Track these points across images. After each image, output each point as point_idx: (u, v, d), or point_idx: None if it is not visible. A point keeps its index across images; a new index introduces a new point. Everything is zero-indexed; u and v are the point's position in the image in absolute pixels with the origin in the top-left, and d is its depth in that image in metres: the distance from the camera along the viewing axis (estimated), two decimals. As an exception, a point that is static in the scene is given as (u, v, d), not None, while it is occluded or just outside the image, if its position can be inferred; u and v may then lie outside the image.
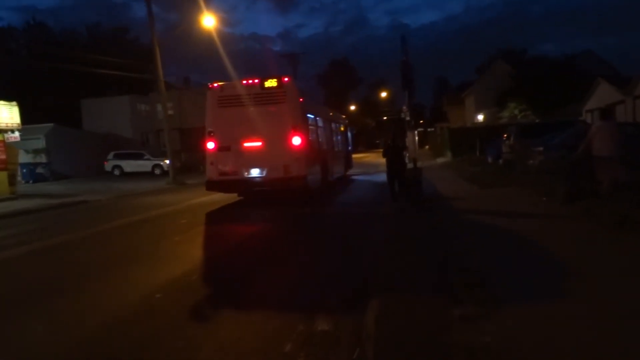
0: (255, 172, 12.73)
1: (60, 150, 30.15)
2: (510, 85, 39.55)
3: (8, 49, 47.15)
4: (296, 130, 12.44)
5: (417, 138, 12.35)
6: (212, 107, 13.08)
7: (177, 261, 7.03)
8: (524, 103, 37.32)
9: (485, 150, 25.60)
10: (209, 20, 24.41)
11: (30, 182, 26.48)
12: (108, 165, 31.59)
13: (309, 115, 14.33)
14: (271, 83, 12.62)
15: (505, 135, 20.58)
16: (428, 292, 4.98)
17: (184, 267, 6.54)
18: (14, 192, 19.41)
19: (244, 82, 12.99)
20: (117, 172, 31.33)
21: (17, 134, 18.87)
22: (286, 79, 12.71)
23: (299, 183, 12.39)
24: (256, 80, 12.78)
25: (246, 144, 12.71)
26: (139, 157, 31.67)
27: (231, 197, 14.86)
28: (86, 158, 32.23)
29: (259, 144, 12.65)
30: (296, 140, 12.40)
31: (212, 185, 13.21)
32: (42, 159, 28.55)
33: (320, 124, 16.37)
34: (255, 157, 12.63)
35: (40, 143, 29.36)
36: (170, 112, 46.00)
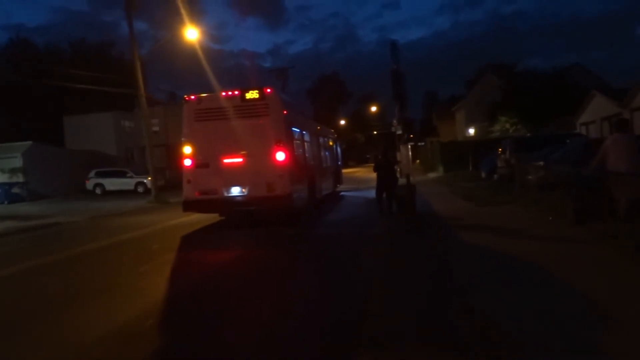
0: (236, 191, 11.79)
1: (39, 169, 28.89)
2: (501, 98, 39.07)
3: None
4: (280, 145, 11.54)
5: (410, 152, 11.42)
6: (189, 121, 12.16)
7: (135, 298, 6.03)
8: (515, 116, 36.79)
9: (478, 164, 24.87)
10: (195, 35, 23.62)
11: (6, 202, 25.19)
12: (89, 184, 30.36)
13: (294, 129, 13.41)
14: (252, 94, 11.72)
15: (500, 149, 19.83)
16: (430, 347, 4.01)
17: (141, 307, 5.56)
18: (-17, 213, 18.27)
19: (224, 93, 12.06)
20: (98, 190, 30.12)
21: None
22: (269, 90, 11.79)
23: (284, 202, 11.45)
24: (236, 92, 11.88)
25: (226, 160, 11.78)
26: (121, 174, 30.52)
27: (212, 217, 13.87)
28: (67, 177, 30.98)
29: (239, 160, 11.73)
30: (280, 156, 11.50)
31: (190, 206, 12.20)
32: (19, 178, 27.29)
33: (306, 138, 15.47)
34: (236, 174, 11.71)
35: (17, 162, 28.14)
36: (155, 128, 45.39)
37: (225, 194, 11.82)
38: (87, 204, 23.34)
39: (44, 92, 42.15)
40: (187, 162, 12.04)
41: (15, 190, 26.04)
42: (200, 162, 11.93)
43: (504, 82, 41.79)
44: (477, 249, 7.53)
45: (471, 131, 45.97)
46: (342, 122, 79.74)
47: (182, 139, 12.30)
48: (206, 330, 4.66)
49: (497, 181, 19.22)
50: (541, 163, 12.72)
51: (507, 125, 37.58)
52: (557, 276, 5.59)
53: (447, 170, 28.89)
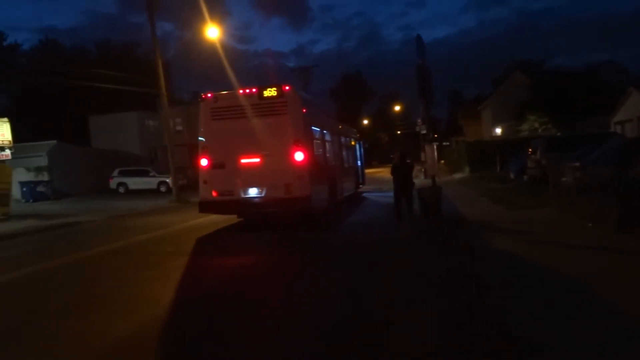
0: (253, 192, 11.30)
1: (64, 168, 29.04)
2: (529, 97, 37.82)
3: (16, 65, 46.71)
4: (298, 145, 11.01)
5: (436, 153, 10.75)
6: (205, 120, 11.76)
7: (137, 308, 5.58)
8: (544, 115, 35.55)
9: (506, 165, 23.93)
10: (219, 35, 23.47)
11: (30, 201, 25.34)
12: (113, 183, 30.42)
13: (314, 127, 12.83)
14: (270, 92, 11.23)
15: (529, 149, 18.94)
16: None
17: (141, 319, 5.09)
18: (7, 212, 18.24)
19: (241, 91, 11.63)
20: (122, 189, 30.13)
21: (7, 151, 17.72)
22: (287, 88, 11.28)
23: (302, 204, 10.91)
24: (254, 90, 11.42)
25: (243, 161, 11.33)
26: (144, 174, 30.48)
27: (230, 219, 13.48)
28: (91, 175, 31.11)
29: (257, 160, 11.26)
30: (299, 156, 10.97)
31: (206, 207, 11.75)
32: (44, 177, 27.44)
33: (327, 137, 14.86)
34: (253, 175, 11.25)
35: (42, 161, 28.34)
36: (178, 127, 45.54)
37: (242, 195, 11.36)
38: (108, 203, 23.26)
39: (70, 92, 42.57)
40: (204, 162, 11.63)
41: (40, 188, 26.17)
42: (217, 162, 11.50)
43: (532, 80, 40.49)
44: (509, 259, 6.86)
45: (498, 130, 44.71)
46: (365, 121, 78.92)
47: (199, 138, 11.93)
48: (203, 347, 4.15)
49: (527, 182, 18.37)
50: (577, 164, 11.91)
51: (536, 125, 36.38)
52: (604, 295, 4.90)
53: (473, 171, 27.96)
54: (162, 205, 21.64)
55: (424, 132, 32.69)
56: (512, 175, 21.73)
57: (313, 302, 5.47)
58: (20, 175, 26.32)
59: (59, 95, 44.68)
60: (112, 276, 7.50)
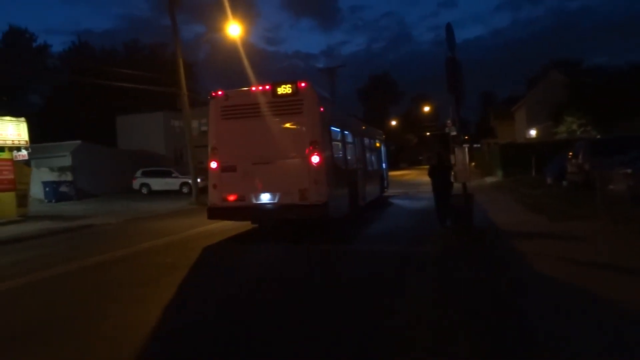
0: (265, 198, 10.47)
1: (87, 168, 28.90)
2: (566, 97, 35.90)
3: (46, 66, 47.30)
4: (315, 147, 10.10)
5: (467, 156, 9.60)
6: (215, 119, 10.97)
7: (100, 340, 4.68)
8: (583, 116, 33.62)
9: (543, 169, 22.43)
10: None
11: (53, 201, 25.17)
12: (136, 183, 30.14)
13: (333, 128, 11.86)
14: (285, 89, 10.36)
15: (570, 153, 17.48)
16: None
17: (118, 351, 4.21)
18: (24, 213, 17.90)
19: (253, 88, 10.84)
20: (144, 190, 29.81)
21: (24, 152, 17.32)
22: (303, 85, 10.34)
23: (318, 211, 10.01)
24: (267, 87, 10.57)
25: (255, 164, 10.50)
26: (166, 174, 30.09)
27: (243, 224, 12.65)
28: (115, 176, 30.94)
29: (270, 163, 10.44)
30: (315, 159, 10.07)
31: (215, 213, 10.99)
32: (68, 177, 27.30)
33: (348, 138, 13.83)
34: (265, 179, 10.45)
35: (67, 161, 28.23)
36: (204, 128, 45.18)
37: (254, 201, 10.53)
38: (129, 204, 22.86)
39: (98, 93, 42.76)
40: (213, 165, 10.85)
41: (63, 189, 26.00)
42: (227, 165, 10.70)
43: (570, 79, 38.49)
44: (557, 286, 5.71)
45: (533, 132, 42.81)
46: (393, 122, 77.43)
47: (208, 138, 11.08)
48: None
49: (567, 188, 16.96)
50: (629, 170, 10.56)
51: (574, 126, 34.48)
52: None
53: (506, 175, 26.45)
54: (181, 207, 21.11)
55: (454, 133, 31.30)
56: (549, 180, 20.32)
57: (321, 330, 4.47)
58: (43, 175, 26.29)
59: (88, 95, 45.06)
60: (95, 294, 6.63)
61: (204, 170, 34.64)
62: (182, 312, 5.62)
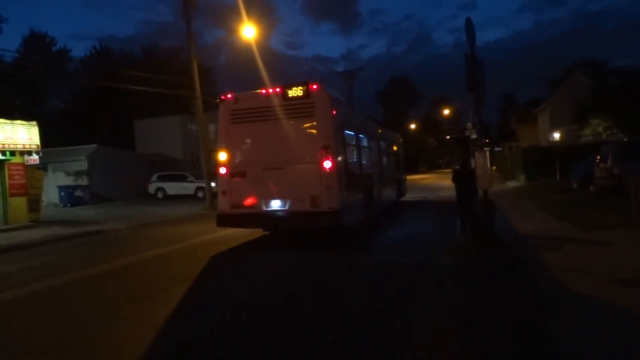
0: (276, 205, 10.09)
1: (103, 172, 28.83)
2: (591, 99, 34.62)
3: (66, 70, 47.80)
4: (327, 151, 9.67)
5: (488, 161, 8.92)
6: (225, 123, 10.64)
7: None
8: (609, 119, 32.35)
9: (568, 173, 21.50)
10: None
11: (68, 205, 25.11)
12: (151, 188, 29.97)
13: (347, 131, 11.40)
14: (296, 92, 9.96)
15: (597, 157, 16.59)
16: None
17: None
18: (36, 218, 17.74)
19: (264, 91, 10.48)
20: (160, 194, 29.61)
21: (35, 156, 17.16)
22: (314, 87, 9.94)
23: (330, 219, 9.61)
24: (278, 89, 10.20)
25: (265, 169, 10.15)
26: (182, 179, 29.85)
27: (254, 231, 12.27)
28: (131, 180, 30.83)
29: (281, 168, 10.05)
30: (327, 164, 9.65)
31: (224, 220, 10.61)
32: (83, 181, 27.24)
33: (363, 142, 13.37)
34: (276, 185, 10.10)
35: (82, 165, 28.21)
36: (221, 132, 45.16)
37: (264, 208, 10.16)
38: (142, 209, 22.62)
39: (117, 97, 42.98)
40: (222, 170, 10.51)
41: (78, 193, 25.94)
42: (237, 171, 10.40)
43: (595, 81, 37.21)
44: (589, 304, 5.06)
45: (556, 135, 41.50)
46: (413, 125, 76.46)
47: (217, 143, 10.79)
48: None
49: (595, 194, 16.08)
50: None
51: (600, 129, 33.21)
52: None
53: (529, 179, 25.51)
54: (194, 212, 20.76)
55: (474, 136, 30.39)
56: (574, 185, 19.47)
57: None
58: (59, 179, 26.28)
59: (107, 99, 45.34)
60: (84, 310, 6.18)
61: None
62: (172, 334, 5.10)
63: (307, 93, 9.94)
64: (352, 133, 12.10)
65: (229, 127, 10.60)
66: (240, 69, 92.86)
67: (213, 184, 24.77)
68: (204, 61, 53.53)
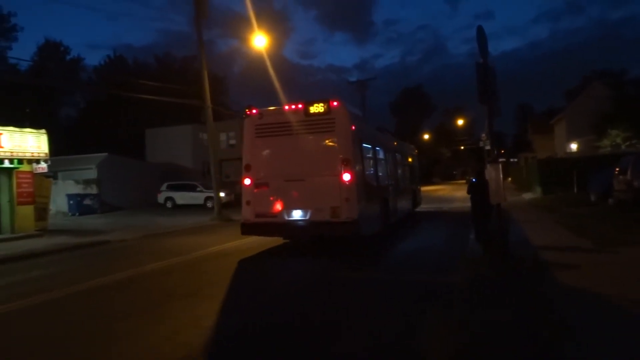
0: (297, 214, 10.78)
1: (113, 181, 28.90)
2: (610, 109, 34.01)
3: (79, 79, 48.36)
4: (347, 165, 10.37)
5: (501, 174, 8.58)
6: (250, 137, 11.44)
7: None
8: (629, 129, 31.73)
9: (586, 185, 20.99)
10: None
11: (77, 214, 25.13)
12: (161, 197, 29.99)
13: (365, 145, 12.04)
14: (317, 108, 10.73)
15: (617, 168, 16.13)
16: None
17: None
18: (43, 227, 17.72)
19: (286, 107, 11.20)
20: (169, 204, 29.61)
21: (44, 164, 17.15)
22: (335, 104, 10.64)
23: (349, 228, 10.24)
24: (300, 105, 10.95)
25: (287, 181, 10.90)
26: (191, 188, 29.82)
27: (262, 244, 12.27)
28: (141, 189, 30.89)
29: (302, 180, 10.79)
30: (346, 177, 10.32)
31: (248, 229, 11.34)
32: (93, 190, 27.28)
33: (380, 155, 13.92)
34: (297, 196, 10.82)
35: (93, 173, 28.29)
36: (232, 141, 45.19)
37: (286, 218, 10.85)
38: (152, 218, 22.54)
39: (129, 106, 43.33)
40: (247, 182, 11.26)
41: (87, 202, 25.97)
42: (260, 182, 11.13)
43: (613, 91, 36.60)
44: (610, 333, 4.69)
45: (573, 146, 40.85)
46: (426, 136, 75.95)
47: (242, 155, 11.52)
48: None
49: (614, 207, 15.62)
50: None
51: (619, 140, 32.62)
52: None
53: (546, 192, 24.97)
54: (203, 222, 20.58)
55: (487, 147, 29.95)
56: (593, 198, 19.02)
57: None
58: (68, 187, 26.34)
59: (120, 108, 45.74)
60: (70, 328, 5.94)
61: (230, 184, 34.54)
62: (167, 355, 4.84)
63: (328, 109, 10.63)
64: (370, 146, 12.66)
65: (254, 141, 11.33)
66: (254, 78, 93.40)
67: (222, 194, 24.83)
68: (216, 70, 54.03)
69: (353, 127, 10.86)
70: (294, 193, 10.82)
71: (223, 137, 44.22)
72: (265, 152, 11.29)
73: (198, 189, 29.65)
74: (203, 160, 40.89)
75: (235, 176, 43.23)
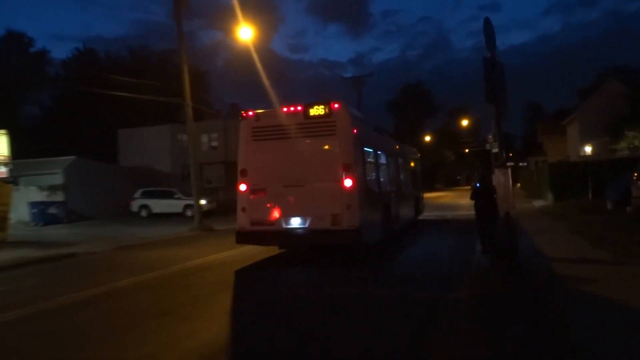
0: (296, 222, 11.17)
1: (81, 187, 28.57)
2: (627, 109, 34.33)
3: (45, 73, 48.06)
4: (348, 170, 10.76)
5: (510, 179, 8.63)
6: (246, 141, 11.82)
7: None
8: (648, 131, 32.06)
9: (601, 192, 21.17)
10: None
11: (41, 224, 24.84)
12: (134, 205, 29.79)
13: (366, 149, 12.50)
14: (317, 111, 11.11)
15: (635, 173, 16.30)
16: None
17: None
18: (2, 239, 17.49)
19: (285, 109, 11.56)
20: (144, 213, 29.45)
21: (4, 168, 17.01)
22: (336, 106, 11.03)
23: (351, 237, 10.61)
24: (299, 107, 11.33)
25: (286, 186, 11.29)
26: (169, 195, 29.68)
27: (258, 254, 12.55)
28: (113, 196, 30.58)
29: (301, 186, 11.18)
30: (348, 183, 10.69)
31: (244, 237, 11.63)
32: (59, 197, 27.02)
33: (382, 159, 14.38)
34: (296, 202, 11.19)
35: (59, 178, 28.02)
36: (214, 143, 45.14)
37: (284, 226, 11.23)
38: (124, 229, 22.39)
39: (100, 104, 43.10)
40: (242, 187, 11.61)
41: (52, 210, 25.71)
42: (257, 188, 11.49)
43: (631, 88, 36.94)
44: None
45: (587, 149, 41.21)
46: (428, 137, 76.23)
47: (238, 160, 11.85)
48: None
49: (632, 215, 15.76)
50: None
51: (637, 142, 32.90)
52: None
53: (558, 198, 25.18)
54: (181, 233, 20.52)
55: (495, 150, 30.13)
56: (609, 206, 19.21)
57: None
58: (31, 194, 26.09)
59: (90, 107, 45.46)
60: (36, 352, 5.87)
61: (212, 191, 34.48)
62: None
63: (329, 112, 11.00)
64: (371, 150, 13.10)
65: (250, 145, 11.70)
66: (239, 74, 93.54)
67: (203, 202, 24.77)
68: (198, 65, 53.95)
69: (355, 131, 11.23)
70: (292, 200, 11.19)
71: (204, 138, 44.22)
72: (262, 156, 11.59)
73: (176, 195, 29.54)
74: (182, 164, 40.69)
75: (217, 182, 43.33)
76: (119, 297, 8.71)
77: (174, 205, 29.20)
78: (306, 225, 11.03)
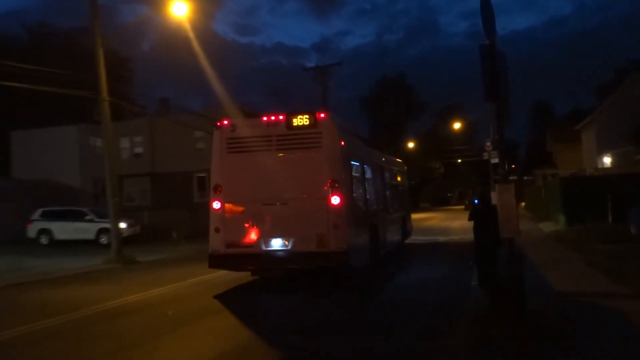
0: (277, 244, 12.39)
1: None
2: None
3: None
4: (335, 186, 11.96)
5: (514, 197, 8.82)
6: (220, 153, 12.95)
7: None
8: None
9: (625, 213, 21.86)
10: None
11: None
12: (32, 229, 29.33)
13: (353, 162, 13.83)
14: (301, 121, 12.35)
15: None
16: None
17: None
18: None
19: (264, 119, 12.82)
20: (44, 239, 28.99)
21: None
22: (322, 115, 12.31)
23: (338, 260, 11.82)
24: (281, 117, 12.57)
25: (265, 204, 12.56)
26: (77, 216, 29.24)
27: (185, 296, 12.53)
28: (4, 217, 30.07)
29: (283, 204, 12.52)
30: (335, 200, 11.87)
31: (217, 261, 12.80)
32: None
33: (368, 174, 15.72)
34: (278, 222, 12.39)
35: None
36: (138, 149, 44.70)
37: (264, 248, 12.36)
38: (17, 260, 21.97)
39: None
40: (216, 205, 12.69)
41: None
42: (233, 206, 12.63)
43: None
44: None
45: (607, 160, 42.55)
46: (411, 144, 77.21)
47: (211, 174, 13.02)
48: None
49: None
50: None
51: (666, 152, 34.24)
52: None
53: (571, 221, 25.80)
54: (93, 266, 20.37)
55: (495, 160, 30.81)
56: (633, 231, 19.82)
57: None
58: None
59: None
60: None
61: (134, 211, 34.04)
62: None
63: (314, 122, 12.23)
64: (358, 163, 14.40)
65: (225, 157, 12.87)
66: (171, 61, 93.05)
67: (123, 225, 24.41)
68: (118, 49, 53.49)
69: (342, 143, 12.56)
70: (273, 219, 12.42)
71: (125, 143, 43.82)
72: (239, 170, 12.75)
73: (87, 217, 29.19)
74: (95, 177, 40.24)
75: (142, 199, 42.94)
76: (7, 352, 8.51)
77: (84, 229, 28.84)
78: (288, 247, 12.20)
